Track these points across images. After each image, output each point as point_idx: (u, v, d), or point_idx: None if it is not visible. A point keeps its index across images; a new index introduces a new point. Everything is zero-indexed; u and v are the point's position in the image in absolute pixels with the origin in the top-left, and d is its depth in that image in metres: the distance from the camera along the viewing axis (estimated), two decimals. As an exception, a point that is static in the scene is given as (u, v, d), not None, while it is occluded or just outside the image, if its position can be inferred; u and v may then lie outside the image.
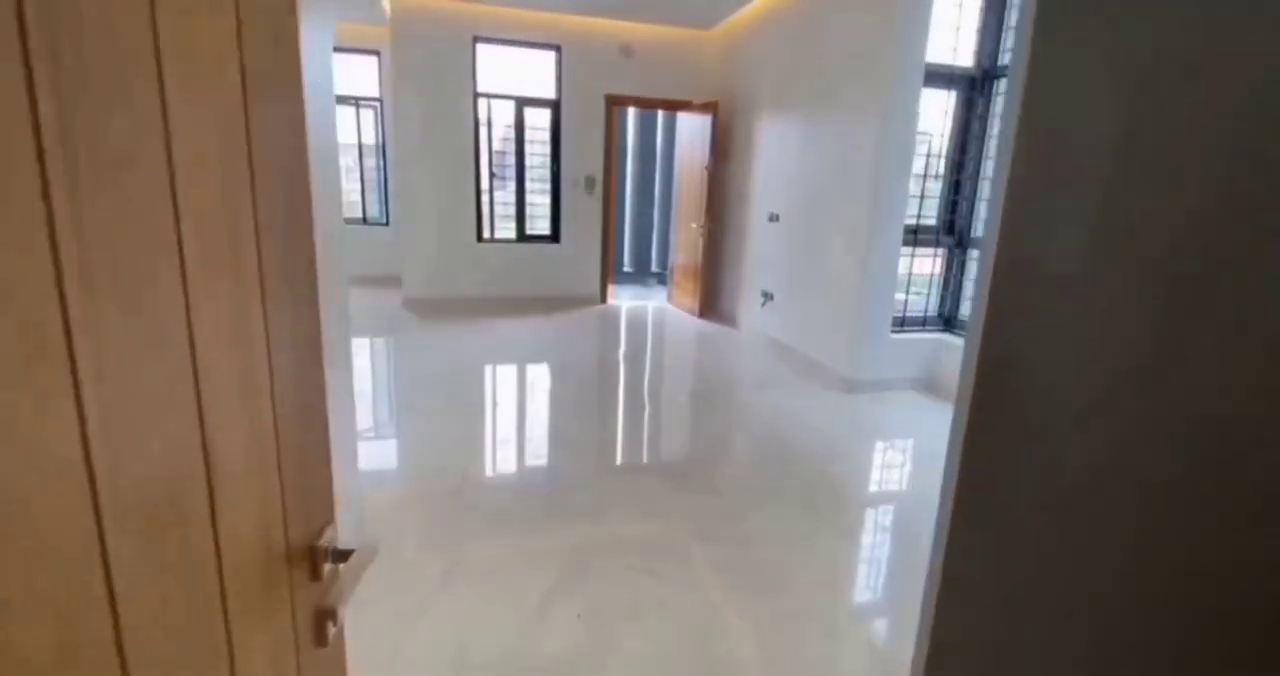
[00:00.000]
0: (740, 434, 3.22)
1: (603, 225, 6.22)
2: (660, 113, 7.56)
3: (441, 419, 3.23)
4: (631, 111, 7.62)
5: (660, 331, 5.52)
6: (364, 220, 6.97)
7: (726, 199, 5.78)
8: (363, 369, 4.14)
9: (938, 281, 4.14)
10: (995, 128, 3.91)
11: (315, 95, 1.68)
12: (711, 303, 6.03)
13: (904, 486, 2.71)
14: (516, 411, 3.50)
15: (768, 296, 4.92)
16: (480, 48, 5.64)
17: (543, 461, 2.85)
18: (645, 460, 2.92)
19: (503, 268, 6.07)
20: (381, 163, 6.88)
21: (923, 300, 4.16)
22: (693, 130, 5.89)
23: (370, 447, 2.90)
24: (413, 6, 5.34)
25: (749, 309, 5.32)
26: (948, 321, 4.16)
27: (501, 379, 4.14)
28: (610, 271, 6.47)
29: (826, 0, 4.14)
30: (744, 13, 5.32)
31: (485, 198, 5.99)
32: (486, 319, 5.56)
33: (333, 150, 1.84)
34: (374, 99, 6.74)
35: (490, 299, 6.08)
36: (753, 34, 5.22)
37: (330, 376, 0.84)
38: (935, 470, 2.50)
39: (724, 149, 5.72)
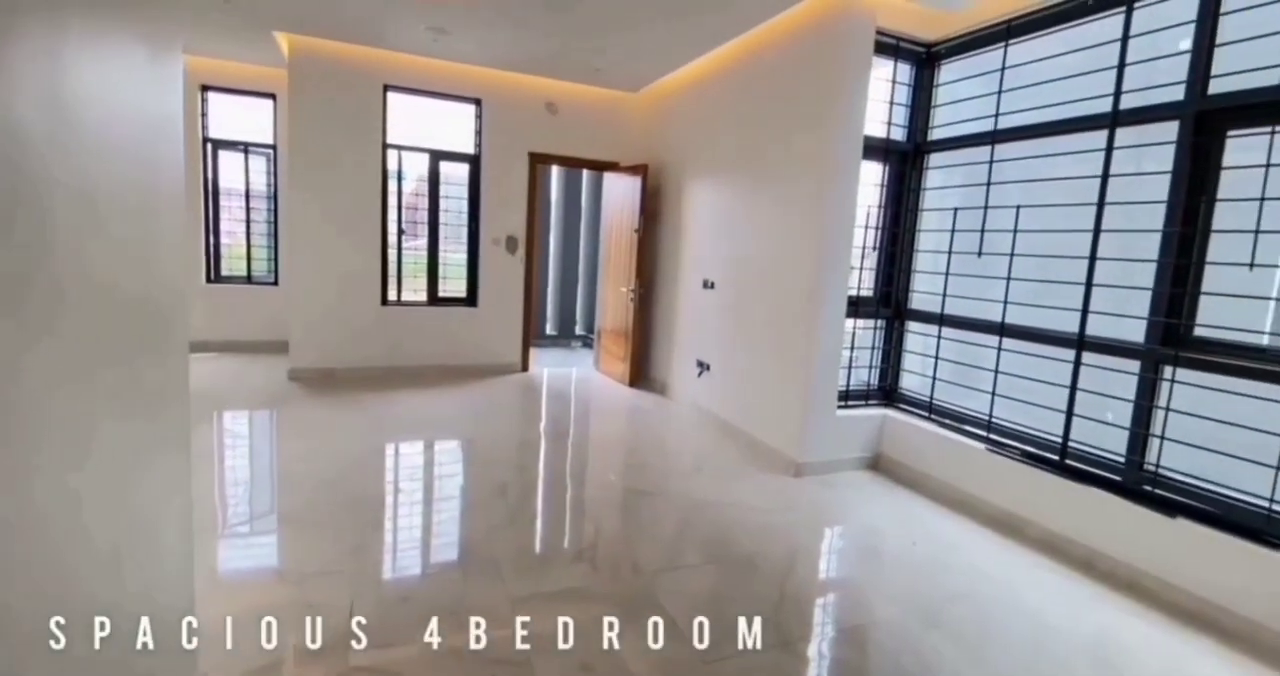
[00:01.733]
0: (684, 534, 2.78)
1: (525, 287, 5.78)
2: (585, 172, 7.36)
3: (318, 515, 2.60)
4: (556, 169, 7.38)
5: (587, 404, 5.07)
6: (248, 278, 6.17)
7: (657, 263, 5.53)
8: (229, 451, 3.41)
9: (878, 354, 3.98)
10: (926, 201, 3.89)
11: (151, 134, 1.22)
12: (642, 370, 5.67)
13: (885, 602, 2.35)
14: (414, 505, 2.91)
15: (704, 367, 4.62)
16: (392, 96, 5.22)
17: (434, 584, 2.28)
18: (570, 570, 2.42)
19: (411, 333, 5.47)
20: (272, 216, 6.17)
21: (863, 373, 3.98)
22: (621, 192, 5.68)
23: (230, 551, 2.23)
24: (315, 50, 4.87)
25: (683, 379, 4.99)
26: (888, 394, 3.99)
27: (399, 464, 3.52)
28: (532, 335, 6.01)
29: (760, 71, 4.07)
30: (671, 78, 5.24)
31: (393, 256, 5.43)
32: (390, 391, 4.91)
33: (176, 198, 1.35)
34: (267, 145, 6.11)
35: (396, 368, 5.43)
36: (682, 100, 5.12)
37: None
38: (916, 577, 2.08)
39: (654, 212, 5.52)
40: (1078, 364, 2.93)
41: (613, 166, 5.87)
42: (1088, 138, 2.94)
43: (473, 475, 3.43)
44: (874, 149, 3.63)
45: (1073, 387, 2.94)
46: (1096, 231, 2.84)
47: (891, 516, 3.13)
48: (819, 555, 2.76)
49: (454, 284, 5.69)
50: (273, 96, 6.03)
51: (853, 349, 3.79)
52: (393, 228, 5.39)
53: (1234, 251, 3.01)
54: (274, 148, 6.09)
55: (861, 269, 3.73)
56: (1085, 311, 2.89)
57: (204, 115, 5.79)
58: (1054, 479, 2.92)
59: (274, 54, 5.19)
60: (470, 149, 5.54)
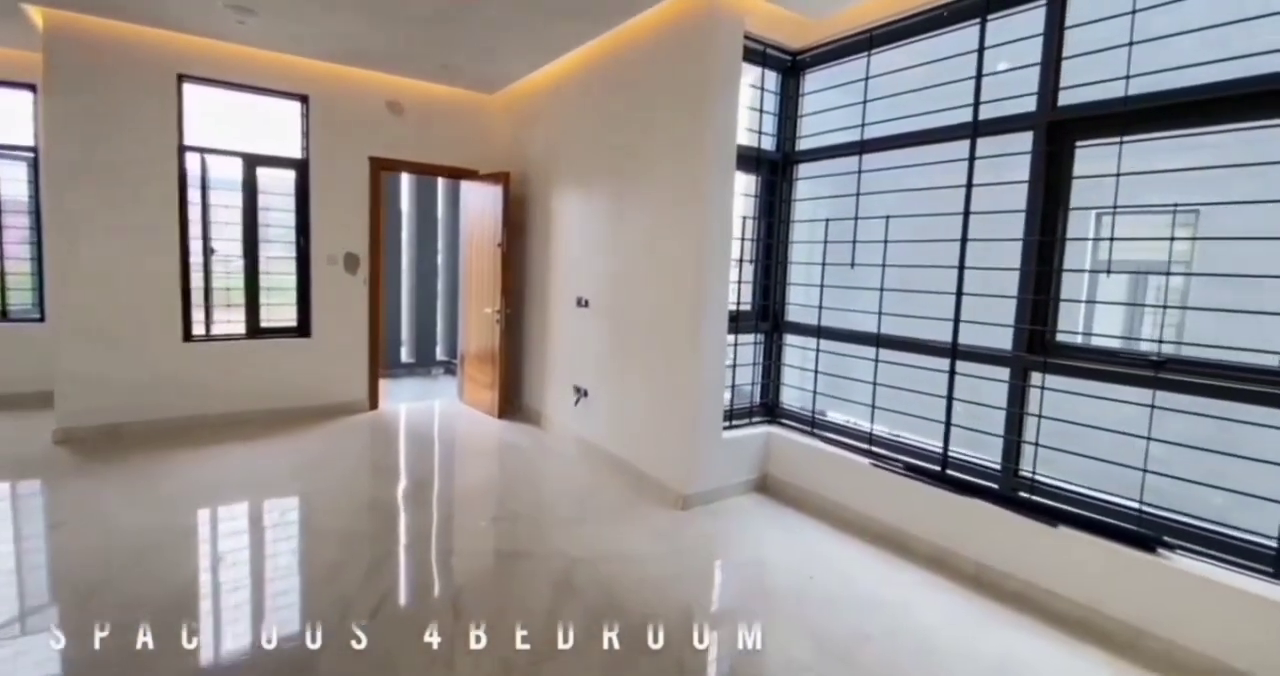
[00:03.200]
0: (563, 606, 2.37)
1: (370, 311, 5.07)
2: (440, 180, 6.73)
3: (77, 627, 1.88)
4: (406, 177, 6.67)
5: (450, 444, 4.48)
6: (3, 314, 4.88)
7: (525, 280, 5.08)
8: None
9: (759, 370, 3.83)
10: (797, 212, 3.82)
11: None
12: (513, 399, 5.16)
13: (795, 651, 2.09)
14: (219, 601, 2.24)
15: (581, 393, 4.23)
16: (190, 89, 4.34)
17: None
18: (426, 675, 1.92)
19: (226, 374, 4.55)
20: (36, 236, 4.94)
21: (745, 390, 3.81)
22: (481, 202, 5.17)
23: None
24: (81, 29, 3.91)
25: (560, 407, 4.56)
26: (770, 410, 3.85)
27: (201, 547, 2.78)
28: (384, 365, 5.29)
29: (628, 72, 3.80)
30: (532, 78, 4.84)
31: (198, 280, 4.50)
32: (198, 448, 4.01)
33: None
34: (26, 148, 4.89)
35: (207, 418, 4.48)
36: (545, 101, 4.74)
37: None
38: (820, 617, 1.74)
39: (519, 224, 5.07)
40: (952, 373, 2.91)
41: (471, 174, 5.35)
42: (951, 148, 2.95)
43: (304, 552, 2.77)
44: (746, 158, 3.47)
45: (949, 397, 2.92)
46: (964, 240, 2.84)
47: (784, 546, 2.93)
48: (713, 606, 2.47)
49: (280, 311, 4.84)
50: (33, 88, 4.85)
51: (734, 366, 3.59)
52: (196, 246, 4.47)
53: (1082, 258, 3.13)
54: (36, 150, 4.89)
55: (740, 282, 3.55)
56: (957, 320, 2.88)
57: (-79, 105, 4.50)
58: (936, 491, 2.87)
59: (30, 34, 4.12)
60: (296, 153, 4.77)
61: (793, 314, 3.83)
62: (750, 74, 3.51)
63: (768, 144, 3.70)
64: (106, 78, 4.03)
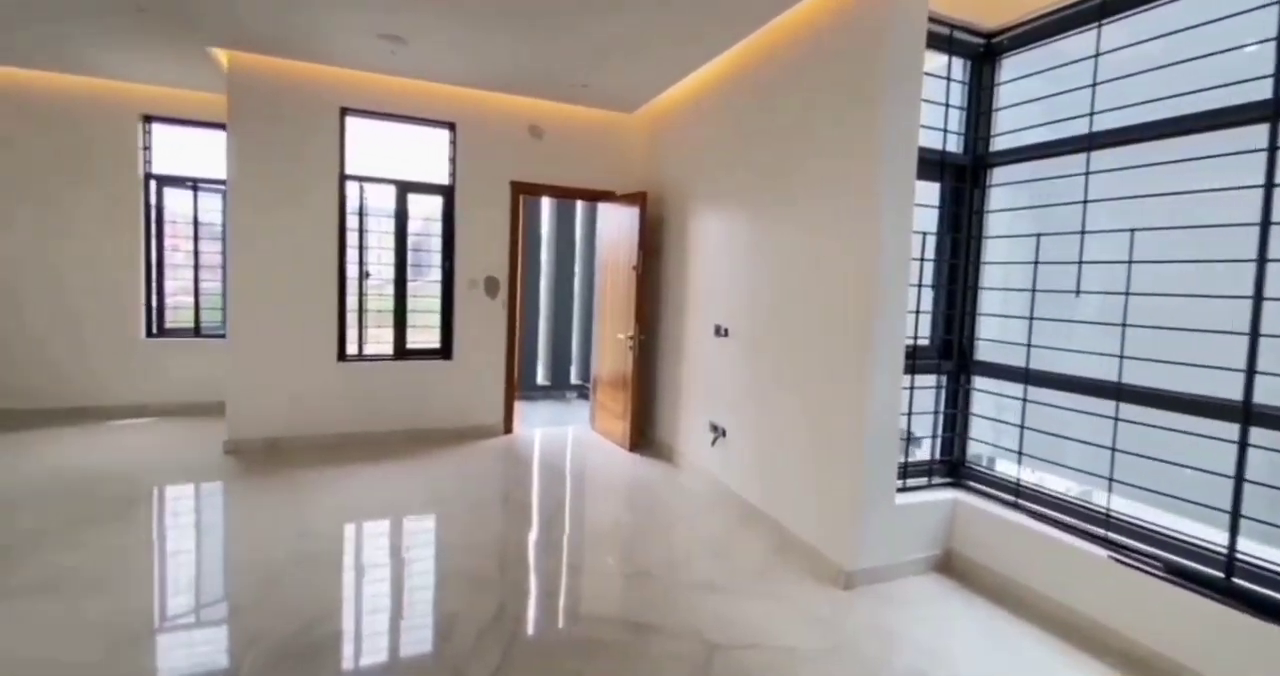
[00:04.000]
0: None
1: (508, 336, 5.02)
2: (579, 202, 6.68)
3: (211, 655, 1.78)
4: (546, 201, 6.70)
5: (580, 477, 4.23)
6: (196, 331, 5.45)
7: (660, 305, 4.76)
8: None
9: (940, 419, 3.15)
10: (990, 225, 3.12)
11: None
12: (645, 431, 4.84)
13: None
14: (320, 641, 2.08)
15: (718, 432, 3.79)
16: (351, 121, 4.56)
17: None
18: None
19: (374, 394, 4.68)
20: (224, 260, 5.48)
21: (924, 442, 3.15)
22: (618, 224, 4.95)
23: None
24: (258, 69, 4.24)
25: (694, 444, 4.16)
26: (954, 470, 3.15)
27: (324, 579, 2.69)
28: (520, 387, 5.22)
29: (776, 80, 3.36)
30: (669, 94, 4.56)
31: (353, 303, 4.69)
32: (343, 466, 4.10)
33: None
34: (220, 181, 5.46)
35: (355, 436, 4.62)
36: (683, 117, 4.43)
37: None
38: None
39: (655, 247, 4.78)
40: (1244, 444, 2.10)
41: (608, 196, 5.17)
42: (1230, 137, 2.18)
43: (427, 593, 2.59)
44: (925, 163, 2.87)
45: (1239, 477, 2.10)
46: (1262, 261, 2.05)
47: (987, 657, 2.26)
48: (899, 737, 1.89)
49: (425, 334, 4.93)
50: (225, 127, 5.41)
51: (910, 413, 2.96)
52: (353, 271, 4.67)
53: None
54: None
55: (918, 312, 2.94)
56: (1251, 371, 2.08)
57: (146, 148, 5.16)
58: (1218, 609, 2.06)
59: (219, 77, 4.57)
60: (444, 179, 4.86)
61: (983, 351, 3.13)
62: (930, 62, 2.92)
63: (953, 145, 3.07)
64: (280, 113, 4.32)
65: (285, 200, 4.37)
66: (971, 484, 3.08)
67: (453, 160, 4.84)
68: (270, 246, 4.36)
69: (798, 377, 3.13)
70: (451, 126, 4.79)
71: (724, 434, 3.75)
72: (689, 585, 2.71)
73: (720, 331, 3.82)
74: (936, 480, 3.07)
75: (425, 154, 4.83)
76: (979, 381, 3.13)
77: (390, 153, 4.73)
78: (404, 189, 4.75)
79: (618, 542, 3.16)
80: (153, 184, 5.23)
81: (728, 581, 2.75)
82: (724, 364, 3.81)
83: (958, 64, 3.07)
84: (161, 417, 5.17)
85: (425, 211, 4.94)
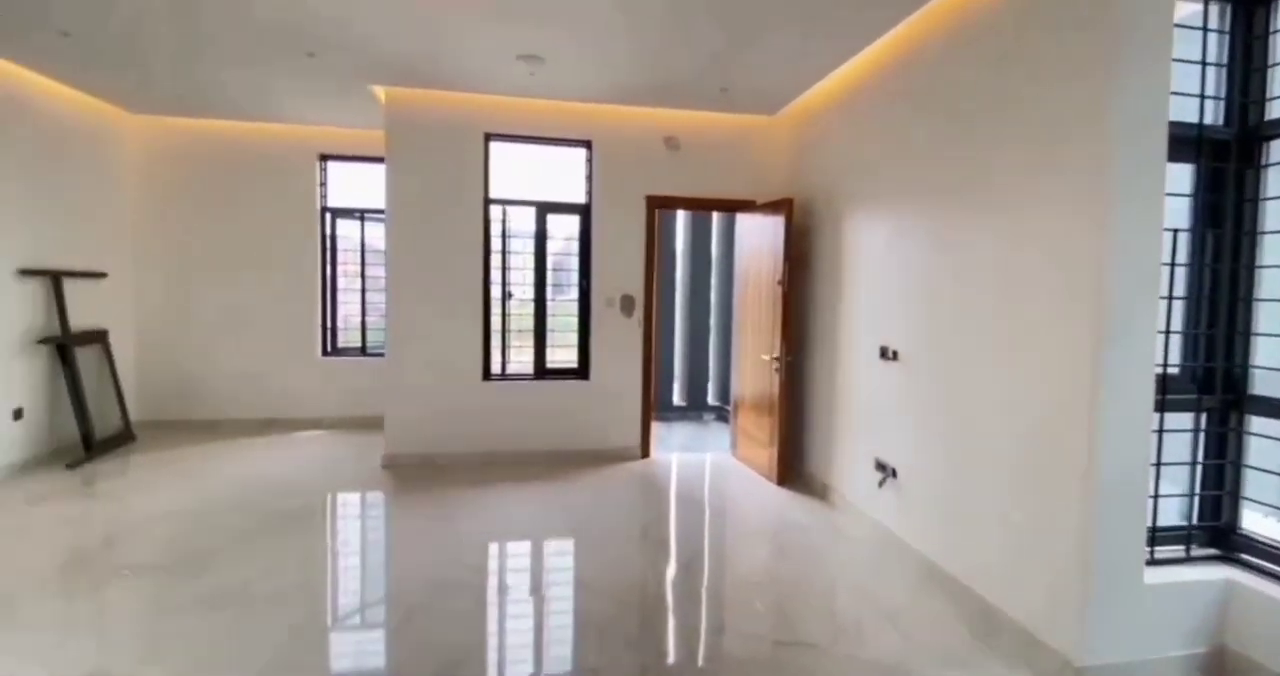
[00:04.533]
0: None
1: (644, 355, 4.83)
2: (715, 214, 6.39)
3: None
4: (681, 214, 6.49)
5: (722, 514, 3.88)
6: (363, 350, 5.86)
7: (810, 323, 4.31)
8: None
9: (1198, 470, 2.42)
10: (1269, 218, 2.36)
11: None
12: (793, 463, 4.40)
13: None
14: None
15: (887, 471, 3.28)
16: (495, 146, 4.65)
17: None
18: None
19: (516, 413, 4.70)
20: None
21: (1174, 499, 2.43)
22: (758, 235, 4.59)
23: None
24: (411, 102, 4.44)
25: (854, 483, 3.66)
26: (1220, 538, 2.40)
27: (454, 612, 2.58)
28: (656, 408, 5.00)
29: (961, 52, 2.84)
30: (817, 90, 4.14)
31: (496, 323, 4.76)
32: (485, 487, 4.10)
33: None
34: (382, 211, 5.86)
35: (498, 455, 4.66)
36: (835, 114, 3.98)
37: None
38: None
39: (802, 257, 4.35)
40: None
41: (747, 205, 4.83)
42: None
43: (556, 656, 2.40)
44: (1176, 141, 2.22)
45: None
46: None
47: None
48: None
49: (563, 353, 4.88)
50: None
51: (1159, 464, 2.29)
52: (496, 291, 4.74)
53: None
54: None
55: (1168, 332, 2.28)
56: None
57: (322, 184, 5.67)
58: None
59: (379, 114, 4.87)
60: (580, 197, 4.80)
61: (1261, 383, 2.36)
62: (1179, 10, 2.27)
63: (1211, 115, 2.37)
64: (430, 142, 4.49)
65: (436, 226, 4.53)
66: (1249, 559, 2.32)
67: (589, 178, 4.77)
68: (423, 270, 4.53)
69: (995, 412, 2.57)
70: (587, 144, 4.73)
71: (894, 474, 3.22)
72: (864, 665, 2.26)
73: (887, 354, 3.32)
74: (1198, 552, 2.35)
75: (563, 174, 4.81)
76: (1256, 423, 2.37)
77: (530, 175, 4.76)
78: (543, 210, 4.76)
79: (770, 599, 2.77)
80: (328, 216, 5.72)
81: (914, 665, 2.27)
82: (892, 392, 3.29)
83: (1215, 10, 2.38)
84: (333, 430, 5.59)
85: (563, 231, 4.92)
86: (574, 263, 4.88)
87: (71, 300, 4.62)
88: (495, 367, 4.77)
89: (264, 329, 5.59)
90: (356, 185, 5.76)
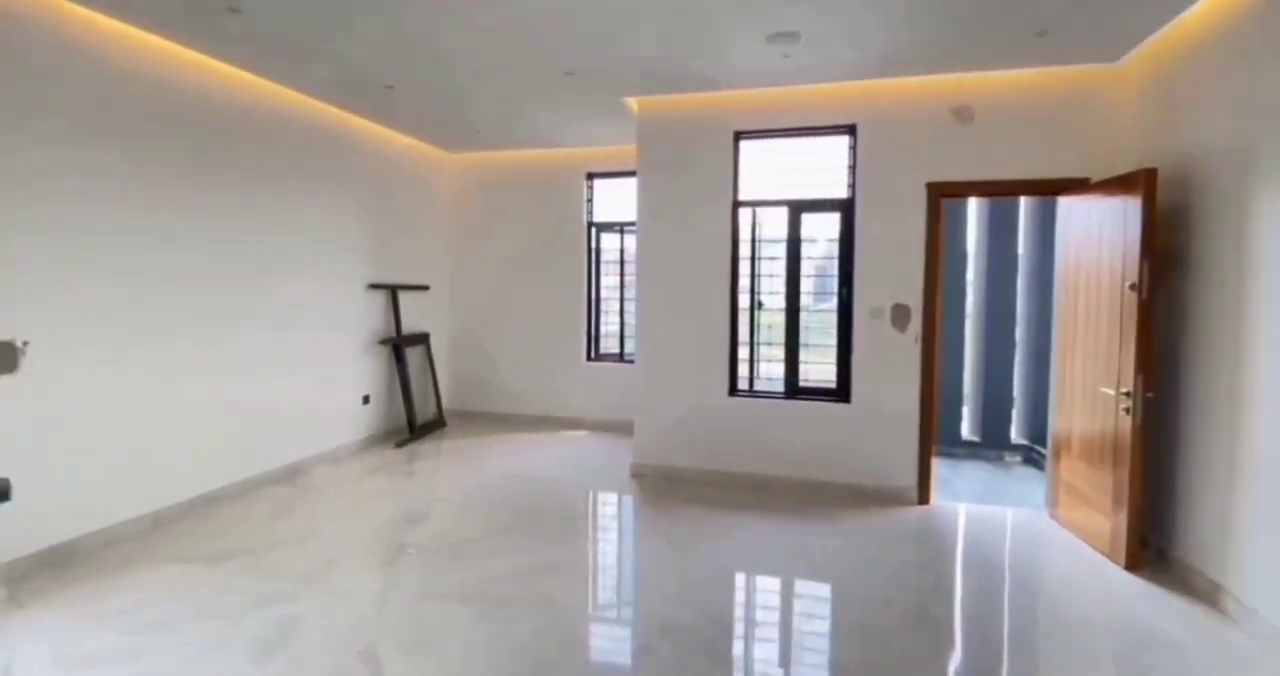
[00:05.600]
0: None
1: (923, 378, 3.97)
2: (1024, 201, 5.09)
3: None
4: (973, 204, 5.31)
5: (1035, 597, 2.89)
6: (620, 356, 6.04)
7: (1188, 345, 3.02)
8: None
9: None
10: None
11: None
12: (1154, 541, 3.14)
13: None
14: None
15: (1350, 591, 2.02)
16: (744, 146, 4.30)
17: None
18: None
19: (764, 433, 4.27)
20: (643, 292, 5.96)
21: None
22: (1093, 224, 3.40)
23: None
24: (661, 109, 4.34)
25: (1274, 588, 2.39)
26: None
27: (714, 660, 2.24)
28: (935, 442, 4.09)
29: None
30: (1191, 16, 2.86)
31: (744, 335, 4.40)
32: (731, 513, 3.75)
33: None
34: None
35: (742, 478, 4.29)
36: (1233, 44, 2.69)
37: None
38: None
39: (1173, 254, 3.08)
40: None
41: (1075, 185, 3.64)
42: None
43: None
44: None
45: None
46: None
47: None
48: None
49: (819, 370, 4.29)
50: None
51: None
52: (744, 300, 4.38)
53: None
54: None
55: None
56: None
57: (589, 201, 5.99)
58: None
59: (633, 127, 4.91)
60: (841, 192, 4.16)
61: None
62: None
63: None
64: (679, 148, 4.34)
65: (683, 232, 4.37)
66: None
67: (852, 169, 4.10)
68: (670, 278, 4.41)
69: None
70: (851, 130, 4.07)
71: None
72: None
73: (1354, 401, 2.05)
74: None
75: (819, 169, 4.23)
76: None
77: (782, 172, 4.29)
78: (797, 209, 4.24)
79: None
80: (593, 230, 6.03)
81: None
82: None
83: None
84: (594, 431, 5.87)
85: (819, 232, 4.34)
86: (832, 267, 4.25)
87: (404, 308, 5.60)
88: (743, 382, 4.41)
89: (542, 335, 6.13)
90: (617, 200, 5.97)
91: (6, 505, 2.78)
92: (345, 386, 5.01)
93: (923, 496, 3.96)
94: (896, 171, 3.97)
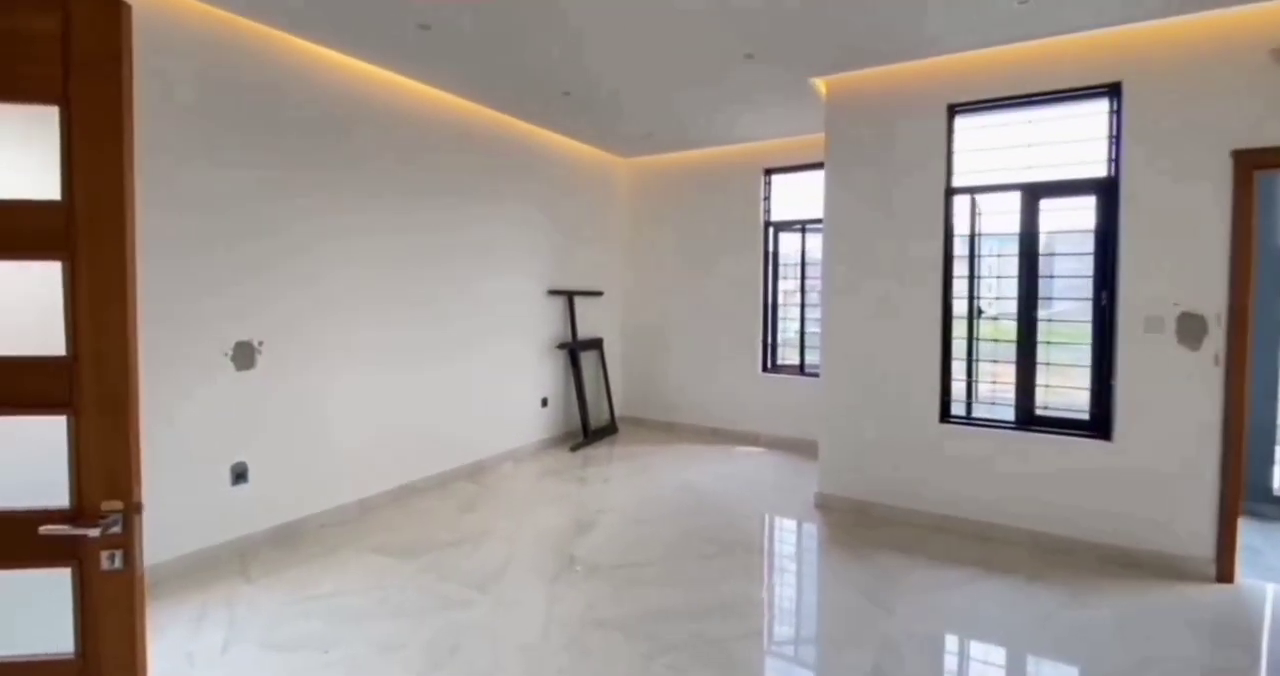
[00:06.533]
0: None
1: (1226, 412, 2.96)
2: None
3: None
4: None
5: None
6: (801, 369, 5.51)
7: None
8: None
9: None
10: None
11: None
12: None
13: None
14: None
15: None
16: (960, 122, 3.61)
17: None
18: None
19: (987, 471, 3.51)
20: (828, 299, 5.38)
21: None
22: None
23: None
24: (854, 88, 3.81)
25: None
26: None
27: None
28: (1238, 499, 3.02)
29: None
30: None
31: (960, 348, 3.67)
32: (946, 568, 3.10)
33: None
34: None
35: (958, 522, 3.57)
36: None
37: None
38: None
39: None
40: None
41: None
42: None
43: None
44: None
45: None
46: None
47: None
48: None
49: (1065, 397, 3.43)
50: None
51: None
52: (959, 307, 3.66)
53: None
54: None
55: None
56: None
57: (766, 198, 5.58)
58: None
59: (820, 112, 4.43)
60: (1098, 170, 3.29)
61: None
62: None
63: None
64: (876, 132, 3.77)
65: (881, 227, 3.78)
66: None
67: (1114, 139, 3.22)
68: (864, 280, 3.84)
69: None
70: (1113, 90, 3.20)
71: None
72: None
73: None
74: None
75: (1062, 142, 3.39)
76: None
77: (1009, 151, 3.52)
78: (1033, 194, 3.45)
79: None
80: (770, 230, 5.61)
81: None
82: None
83: None
84: (770, 449, 5.42)
85: (1063, 222, 3.50)
86: (1084, 266, 3.38)
87: (579, 314, 5.67)
88: (957, 406, 3.69)
89: (715, 342, 5.84)
90: (798, 197, 5.48)
91: (244, 485, 3.15)
92: (526, 389, 5.15)
93: (1223, 571, 2.94)
94: (1183, 139, 3.03)
